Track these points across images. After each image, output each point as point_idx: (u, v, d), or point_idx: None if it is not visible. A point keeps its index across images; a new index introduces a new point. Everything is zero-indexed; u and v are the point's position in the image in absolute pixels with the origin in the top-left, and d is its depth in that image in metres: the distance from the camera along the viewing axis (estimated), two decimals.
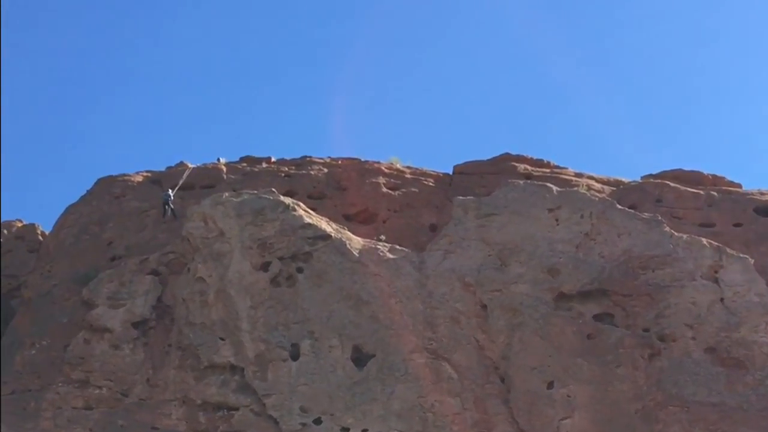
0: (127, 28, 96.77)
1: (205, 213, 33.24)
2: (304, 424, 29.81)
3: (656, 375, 29.57)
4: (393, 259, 32.17)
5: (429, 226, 35.93)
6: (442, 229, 33.77)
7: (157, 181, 38.60)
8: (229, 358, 31.09)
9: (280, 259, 32.21)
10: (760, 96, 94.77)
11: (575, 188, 34.73)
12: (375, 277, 31.67)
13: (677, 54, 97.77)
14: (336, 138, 72.73)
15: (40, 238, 40.71)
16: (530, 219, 32.38)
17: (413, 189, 37.30)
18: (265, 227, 32.65)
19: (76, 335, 32.22)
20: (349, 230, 33.57)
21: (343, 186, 37.25)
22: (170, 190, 36.67)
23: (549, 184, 33.64)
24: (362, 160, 38.76)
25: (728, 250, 31.62)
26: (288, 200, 33.67)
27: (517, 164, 38.08)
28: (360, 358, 30.75)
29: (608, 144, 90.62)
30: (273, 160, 39.47)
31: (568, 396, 29.47)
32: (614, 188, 37.09)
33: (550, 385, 29.74)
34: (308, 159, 39.08)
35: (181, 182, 37.41)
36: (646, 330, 30.30)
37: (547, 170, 38.06)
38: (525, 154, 38.84)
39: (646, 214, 32.85)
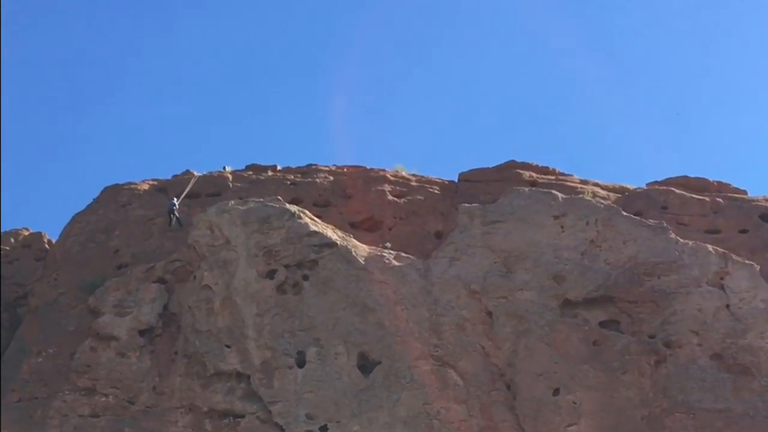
0: (134, 39, 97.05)
1: (211, 221, 33.33)
2: None
3: (662, 381, 29.54)
4: (399, 266, 32.20)
5: (434, 234, 35.96)
6: (447, 236, 33.79)
7: (163, 189, 38.69)
8: (235, 366, 31.14)
9: (286, 266, 32.26)
10: (766, 102, 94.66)
11: (581, 195, 34.76)
12: (381, 285, 31.70)
13: (682, 57, 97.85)
14: (341, 146, 72.89)
15: (47, 246, 40.89)
16: (536, 226, 32.40)
17: (419, 196, 37.34)
18: (271, 235, 32.72)
19: (83, 343, 32.31)
20: (354, 238, 33.61)
21: (349, 194, 37.31)
22: (175, 199, 36.76)
23: (554, 191, 33.65)
24: (368, 167, 38.82)
25: (734, 256, 31.60)
26: (294, 208, 33.74)
27: (522, 171, 38.10)
28: (366, 366, 30.77)
29: (614, 150, 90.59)
30: (278, 168, 39.53)
31: (574, 403, 29.45)
32: (620, 195, 37.11)
33: (556, 392, 29.73)
34: (314, 167, 39.15)
35: (186, 191, 37.49)
36: (652, 336, 30.28)
37: (553, 177, 38.08)
38: (530, 162, 38.87)
39: (651, 220, 32.85)
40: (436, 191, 37.84)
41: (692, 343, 30.03)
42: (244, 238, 32.78)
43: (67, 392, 31.35)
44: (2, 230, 41.79)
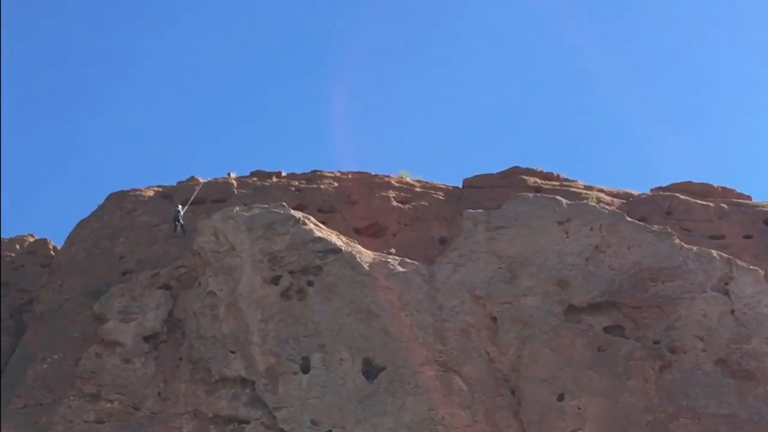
0: (139, 47, 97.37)
1: (216, 227, 33.39)
2: None
3: (667, 387, 29.52)
4: (403, 272, 32.22)
5: (439, 239, 36.00)
6: (452, 242, 33.82)
7: (167, 195, 38.78)
8: (239, 372, 31.15)
9: (291, 272, 32.29)
10: None
11: (585, 201, 34.78)
12: (385, 290, 31.72)
13: (688, 62, 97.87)
14: (345, 151, 72.87)
15: (52, 252, 41.02)
16: (540, 232, 32.43)
17: (423, 202, 37.40)
18: (275, 241, 32.77)
19: (88, 349, 32.35)
20: (359, 244, 33.65)
21: (353, 200, 37.39)
22: (180, 207, 36.82)
23: (559, 197, 33.69)
24: (372, 173, 38.90)
25: (738, 261, 31.59)
26: (298, 214, 33.79)
27: (526, 177, 38.17)
28: (370, 371, 30.77)
29: (619, 155, 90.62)
30: (283, 174, 39.63)
31: (579, 408, 29.43)
32: (624, 201, 37.13)
33: (561, 398, 29.70)
34: (318, 173, 39.23)
35: (192, 198, 37.56)
36: (656, 342, 30.26)
37: (557, 183, 38.12)
38: (535, 167, 38.93)
39: (655, 226, 32.86)
40: (441, 197, 37.89)
41: (697, 348, 30.01)
42: (248, 244, 32.83)
43: (72, 398, 31.38)
44: (8, 237, 41.98)
